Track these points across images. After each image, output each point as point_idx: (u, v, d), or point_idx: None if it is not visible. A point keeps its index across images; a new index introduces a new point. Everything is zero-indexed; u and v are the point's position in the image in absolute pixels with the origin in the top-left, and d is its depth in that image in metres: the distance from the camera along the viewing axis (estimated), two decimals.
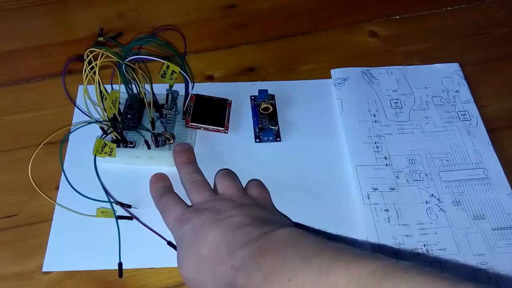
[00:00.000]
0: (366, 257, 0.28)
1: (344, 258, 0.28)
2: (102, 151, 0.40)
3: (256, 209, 0.36)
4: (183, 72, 0.39)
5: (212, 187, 0.40)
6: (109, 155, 0.40)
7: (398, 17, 0.56)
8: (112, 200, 0.40)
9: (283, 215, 0.39)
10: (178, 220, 0.37)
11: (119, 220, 0.39)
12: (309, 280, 0.28)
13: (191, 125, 0.44)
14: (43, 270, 0.38)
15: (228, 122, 0.45)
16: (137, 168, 0.43)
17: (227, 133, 0.45)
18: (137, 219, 0.40)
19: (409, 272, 0.26)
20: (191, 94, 0.44)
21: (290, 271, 0.29)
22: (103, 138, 0.41)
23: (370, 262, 0.27)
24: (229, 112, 0.46)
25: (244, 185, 0.41)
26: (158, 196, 0.40)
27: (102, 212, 0.39)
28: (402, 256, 0.39)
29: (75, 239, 0.40)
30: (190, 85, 0.42)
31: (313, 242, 0.31)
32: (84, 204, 0.40)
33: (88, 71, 0.36)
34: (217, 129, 0.45)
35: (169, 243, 0.39)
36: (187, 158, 0.42)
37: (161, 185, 0.41)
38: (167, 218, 0.38)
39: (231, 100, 0.47)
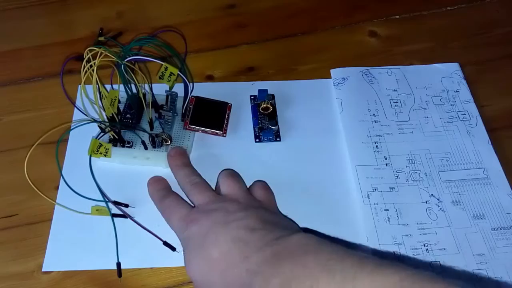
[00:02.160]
0: (390, 266, 0.28)
1: (367, 267, 0.28)
2: (98, 151, 0.40)
3: (263, 212, 0.36)
4: (182, 76, 0.39)
5: (214, 189, 0.40)
6: (105, 155, 0.40)
7: (398, 17, 0.56)
8: (108, 200, 0.40)
9: (289, 218, 0.39)
10: (184, 220, 0.36)
11: (119, 220, 0.39)
12: None
13: (189, 127, 0.44)
14: (43, 270, 0.38)
15: (227, 126, 0.45)
16: (137, 167, 0.43)
17: (225, 136, 0.45)
18: (131, 218, 0.40)
19: (437, 282, 0.26)
20: (192, 96, 0.44)
21: (311, 279, 0.28)
22: (100, 137, 0.41)
23: (395, 271, 0.27)
24: (228, 116, 0.46)
25: (248, 186, 0.41)
26: (160, 197, 0.40)
27: (97, 210, 0.39)
28: (404, 257, 0.39)
29: (75, 239, 0.40)
30: (190, 87, 0.42)
31: (332, 250, 0.31)
32: (84, 204, 0.40)
33: (87, 69, 0.36)
34: (215, 132, 0.45)
35: (165, 243, 0.39)
36: (182, 161, 0.41)
37: (161, 187, 0.41)
38: (171, 219, 0.38)
39: (231, 104, 0.46)
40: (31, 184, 0.40)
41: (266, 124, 0.46)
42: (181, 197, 0.40)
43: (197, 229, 0.35)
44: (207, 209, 0.36)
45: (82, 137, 0.43)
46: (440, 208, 0.41)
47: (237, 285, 0.32)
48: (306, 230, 0.39)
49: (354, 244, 0.39)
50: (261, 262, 0.31)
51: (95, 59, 0.36)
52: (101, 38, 0.51)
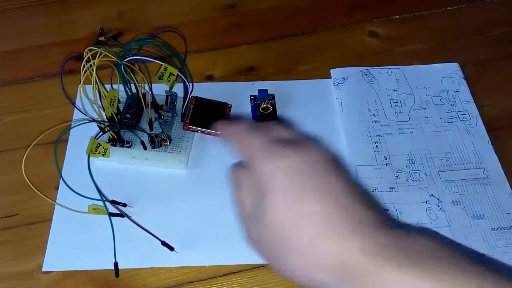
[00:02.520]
0: None
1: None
2: (96, 151, 0.40)
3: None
4: (182, 76, 0.39)
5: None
6: (103, 155, 0.40)
7: (398, 17, 0.56)
8: (105, 199, 0.40)
9: None
10: (265, 150, 0.29)
11: (118, 220, 0.39)
12: None
13: (189, 127, 0.44)
14: (43, 270, 0.38)
15: None
16: (136, 167, 0.43)
17: None
18: (129, 218, 0.40)
19: None
20: (192, 96, 0.44)
21: (457, 275, 0.24)
22: (99, 137, 0.41)
23: None
24: (228, 117, 0.46)
25: None
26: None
27: (94, 209, 0.39)
28: None
29: (75, 239, 0.40)
30: (189, 87, 0.42)
31: (453, 260, 0.26)
32: (84, 204, 0.40)
33: (87, 68, 0.36)
34: (215, 133, 0.45)
35: (163, 243, 0.39)
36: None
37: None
38: (247, 145, 0.30)
39: (231, 105, 0.46)
40: (30, 184, 0.40)
41: None
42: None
43: (284, 167, 0.27)
44: (295, 144, 0.29)
45: (82, 137, 0.43)
46: (440, 208, 0.41)
47: (332, 261, 0.26)
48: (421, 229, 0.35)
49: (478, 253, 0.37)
50: (387, 247, 0.25)
51: (95, 59, 0.36)
52: (102, 38, 0.51)
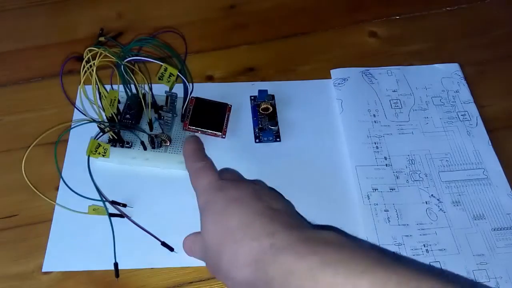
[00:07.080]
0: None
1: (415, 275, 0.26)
2: (96, 151, 0.40)
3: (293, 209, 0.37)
4: (182, 77, 0.39)
5: None
6: (103, 155, 0.40)
7: (398, 17, 0.56)
8: (105, 199, 0.40)
9: None
10: (212, 184, 0.36)
11: (118, 220, 0.40)
12: (393, 282, 0.26)
13: (189, 128, 0.44)
14: (43, 270, 0.38)
15: (226, 127, 0.45)
16: (136, 167, 0.43)
17: (224, 138, 0.45)
18: (129, 218, 0.40)
19: None
20: (192, 97, 0.44)
21: (364, 266, 0.27)
22: (99, 138, 0.41)
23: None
24: (228, 117, 0.46)
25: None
26: (195, 158, 0.40)
27: (94, 210, 0.39)
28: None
29: (75, 240, 0.40)
30: (189, 88, 0.42)
31: (372, 254, 0.29)
32: (84, 204, 0.40)
33: (87, 69, 0.36)
34: (215, 133, 0.45)
35: (163, 244, 0.39)
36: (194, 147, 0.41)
37: (197, 147, 0.41)
38: (200, 180, 0.37)
39: (231, 105, 0.47)
40: (30, 185, 0.40)
41: (266, 124, 0.46)
42: (213, 165, 0.39)
43: (223, 196, 0.35)
44: (238, 181, 0.38)
45: (82, 137, 0.43)
46: (440, 209, 0.41)
47: (249, 258, 0.30)
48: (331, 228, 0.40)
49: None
50: (292, 242, 0.30)
51: (95, 59, 0.36)
52: (102, 39, 0.51)
